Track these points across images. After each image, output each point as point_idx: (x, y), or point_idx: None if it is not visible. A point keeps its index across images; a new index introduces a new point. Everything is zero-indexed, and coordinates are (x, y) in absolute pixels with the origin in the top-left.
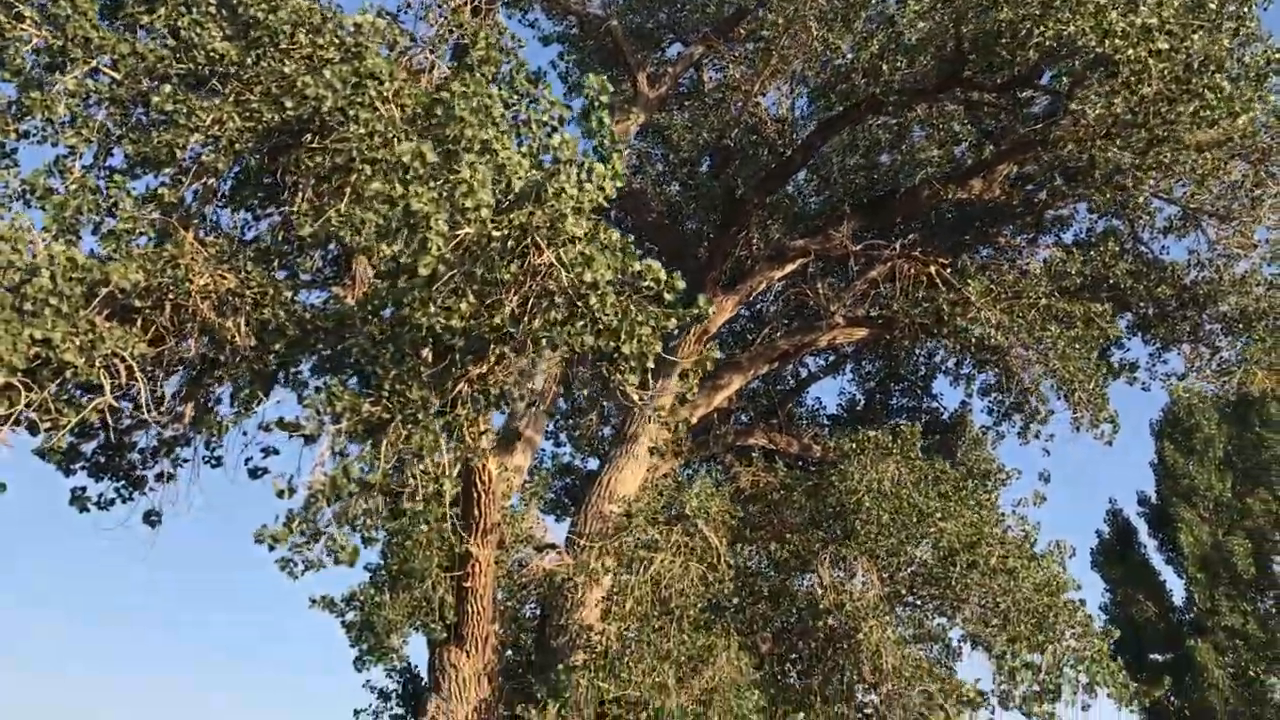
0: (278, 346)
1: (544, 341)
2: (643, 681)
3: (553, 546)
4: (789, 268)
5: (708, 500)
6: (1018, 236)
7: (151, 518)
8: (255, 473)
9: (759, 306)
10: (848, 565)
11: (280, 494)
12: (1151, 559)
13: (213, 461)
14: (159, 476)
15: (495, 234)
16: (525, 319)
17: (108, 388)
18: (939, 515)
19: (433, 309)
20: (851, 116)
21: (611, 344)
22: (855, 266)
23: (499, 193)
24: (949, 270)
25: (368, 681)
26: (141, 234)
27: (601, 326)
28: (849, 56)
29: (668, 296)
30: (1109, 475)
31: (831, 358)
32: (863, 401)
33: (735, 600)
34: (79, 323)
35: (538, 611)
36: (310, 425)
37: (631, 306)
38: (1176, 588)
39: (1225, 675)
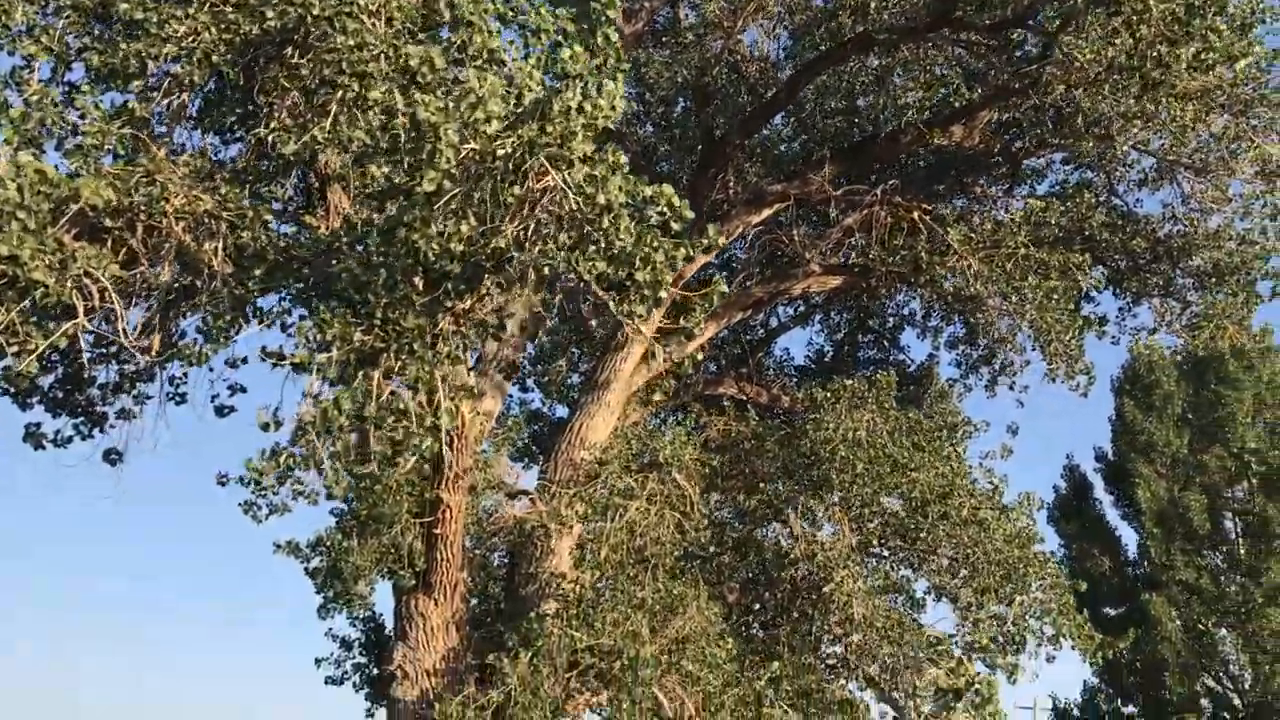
0: (257, 272)
1: (546, 270)
2: (616, 630)
3: (524, 493)
4: (766, 213)
5: (680, 449)
6: (993, 186)
7: (112, 456)
8: (222, 411)
9: (728, 253)
10: (818, 516)
11: (265, 427)
12: (1107, 514)
13: (177, 398)
14: (120, 413)
15: (500, 151)
16: (529, 244)
17: (80, 310)
18: (912, 466)
19: (434, 230)
20: (835, 56)
21: (624, 271)
22: (833, 213)
23: (508, 106)
24: (929, 217)
25: (330, 630)
26: (110, 150)
27: (615, 252)
28: None
29: (675, 226)
30: (1066, 430)
31: (801, 308)
32: (831, 352)
33: (709, 550)
34: (47, 240)
35: (506, 560)
36: (300, 353)
37: (645, 232)
38: (1131, 543)
39: (1178, 629)
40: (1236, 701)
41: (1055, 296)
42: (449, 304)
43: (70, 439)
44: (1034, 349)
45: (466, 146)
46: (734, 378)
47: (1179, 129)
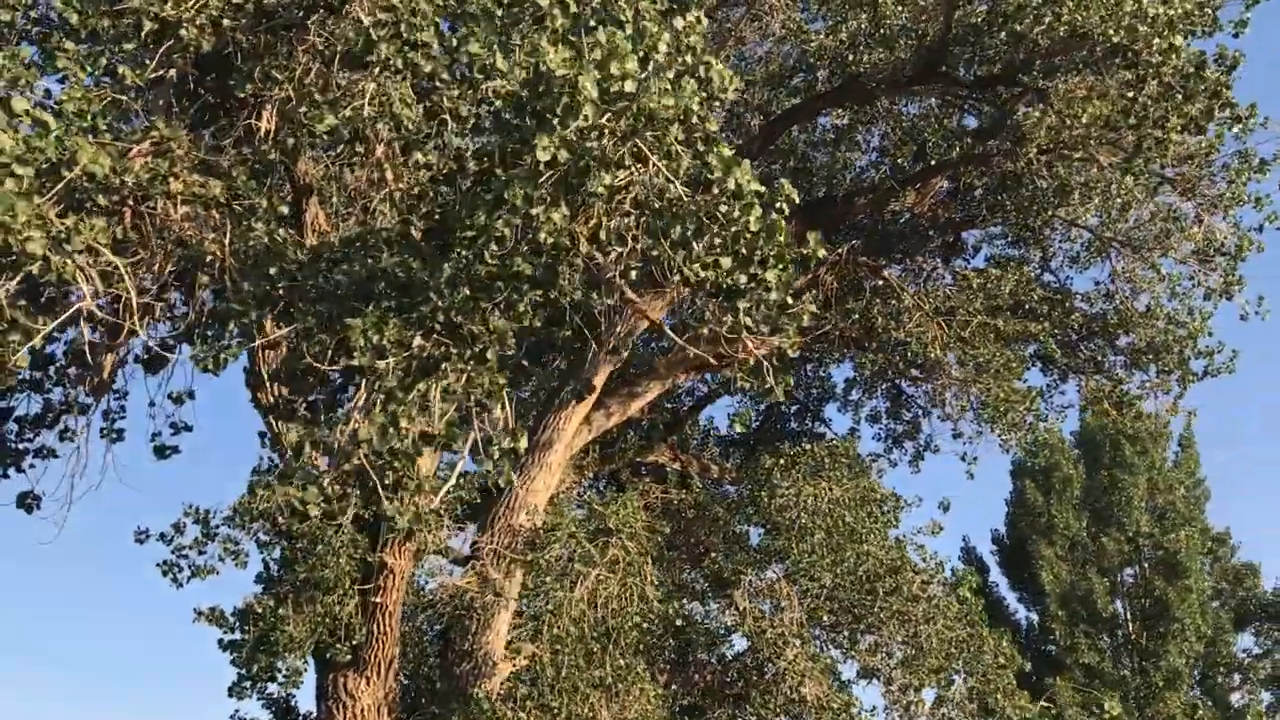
0: (272, 270)
1: (633, 273)
2: (578, 711)
3: (473, 558)
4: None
5: (631, 516)
6: (932, 257)
7: (28, 501)
8: (163, 451)
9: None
10: (770, 589)
11: (296, 450)
12: (1004, 597)
13: (112, 435)
14: (39, 452)
15: (610, 125)
16: (630, 235)
17: (87, 291)
18: (865, 538)
19: (537, 212)
20: (811, 108)
21: (747, 272)
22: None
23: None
24: (880, 281)
25: (236, 712)
26: (97, 118)
27: (741, 247)
28: (815, 42)
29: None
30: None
31: (728, 375)
32: (756, 424)
33: (656, 625)
34: (43, 208)
35: (439, 634)
36: (364, 357)
37: (775, 224)
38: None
39: (1083, 713)
40: None
41: (1013, 365)
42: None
43: None
44: (984, 420)
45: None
46: (667, 446)
47: (1124, 203)
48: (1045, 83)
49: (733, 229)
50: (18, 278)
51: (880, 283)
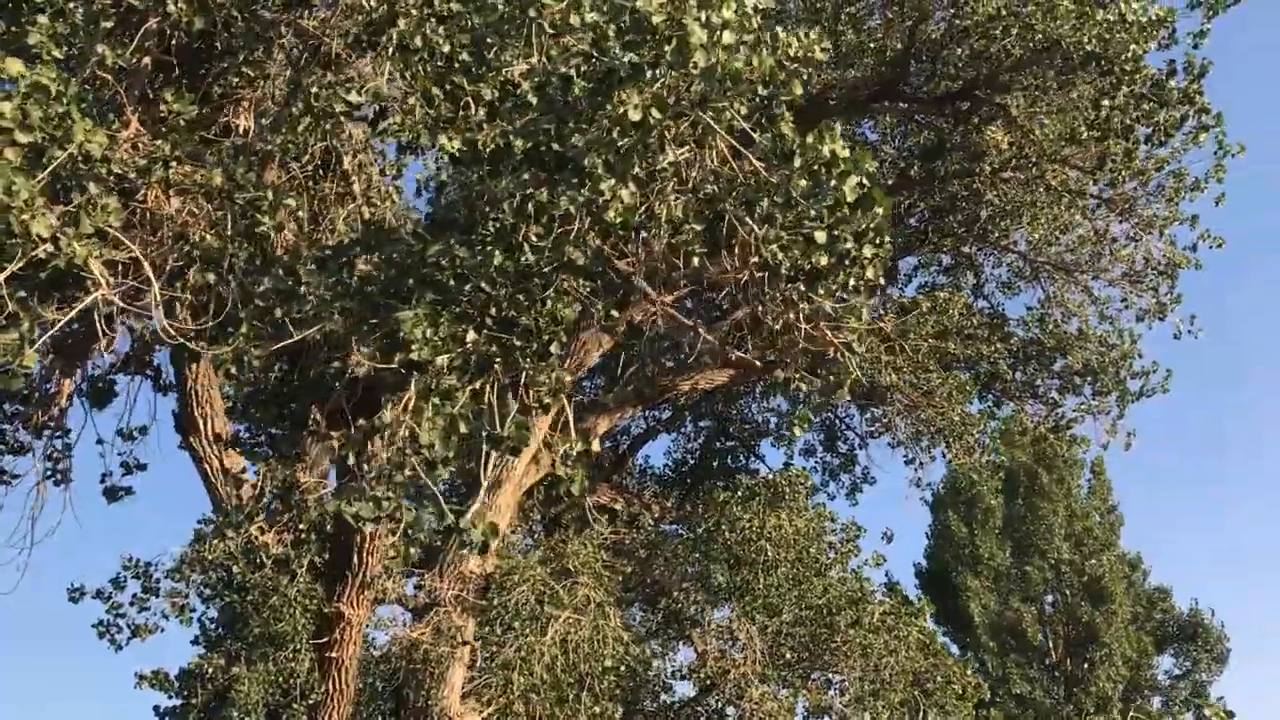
0: (296, 264)
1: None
2: None
3: (434, 606)
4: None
5: (591, 556)
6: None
7: None
8: (114, 493)
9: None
10: (730, 627)
11: (344, 450)
12: (930, 628)
13: (56, 476)
14: None
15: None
16: (699, 214)
17: (103, 279)
18: (827, 569)
19: (605, 188)
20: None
21: (838, 250)
22: (728, 298)
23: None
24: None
25: None
26: (72, 102)
27: (838, 222)
28: None
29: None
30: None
31: (668, 412)
32: (693, 461)
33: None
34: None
35: (392, 690)
36: (423, 350)
37: (873, 192)
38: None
39: None
40: None
41: (966, 388)
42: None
43: None
44: (935, 446)
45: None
46: (609, 486)
47: (1061, 226)
48: (1006, 97)
49: (825, 201)
50: (19, 262)
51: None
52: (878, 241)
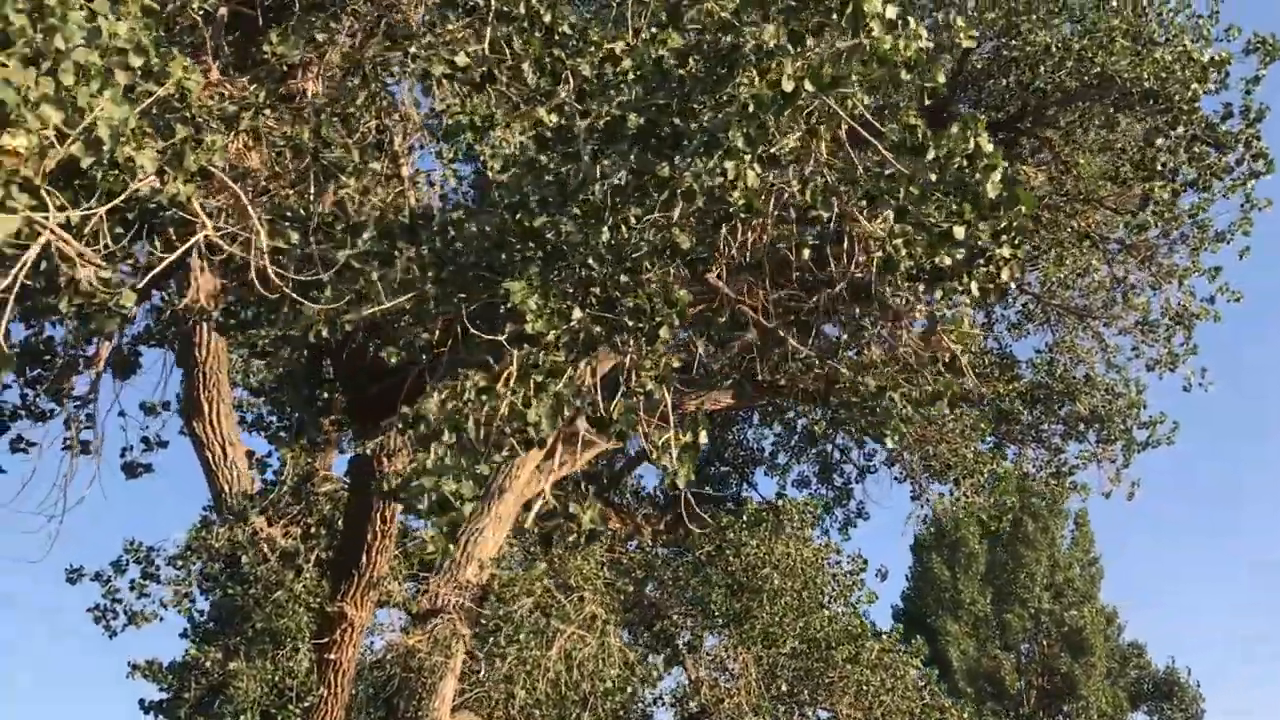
0: (366, 236)
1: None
2: None
3: (436, 613)
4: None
5: (594, 573)
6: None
7: None
8: (133, 469)
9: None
10: (727, 654)
11: (439, 427)
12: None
13: (76, 446)
14: None
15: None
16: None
17: (208, 219)
18: (831, 601)
19: (730, 166)
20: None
21: (971, 248)
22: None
23: None
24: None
25: None
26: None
27: (979, 218)
28: None
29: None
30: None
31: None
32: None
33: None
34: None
35: (383, 699)
36: (537, 322)
37: (1016, 186)
38: None
39: None
40: None
41: (982, 426)
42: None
43: None
44: (946, 481)
45: None
46: (603, 504)
47: (1080, 270)
48: (1050, 132)
49: (965, 196)
50: (122, 197)
51: (845, 335)
52: (1016, 241)
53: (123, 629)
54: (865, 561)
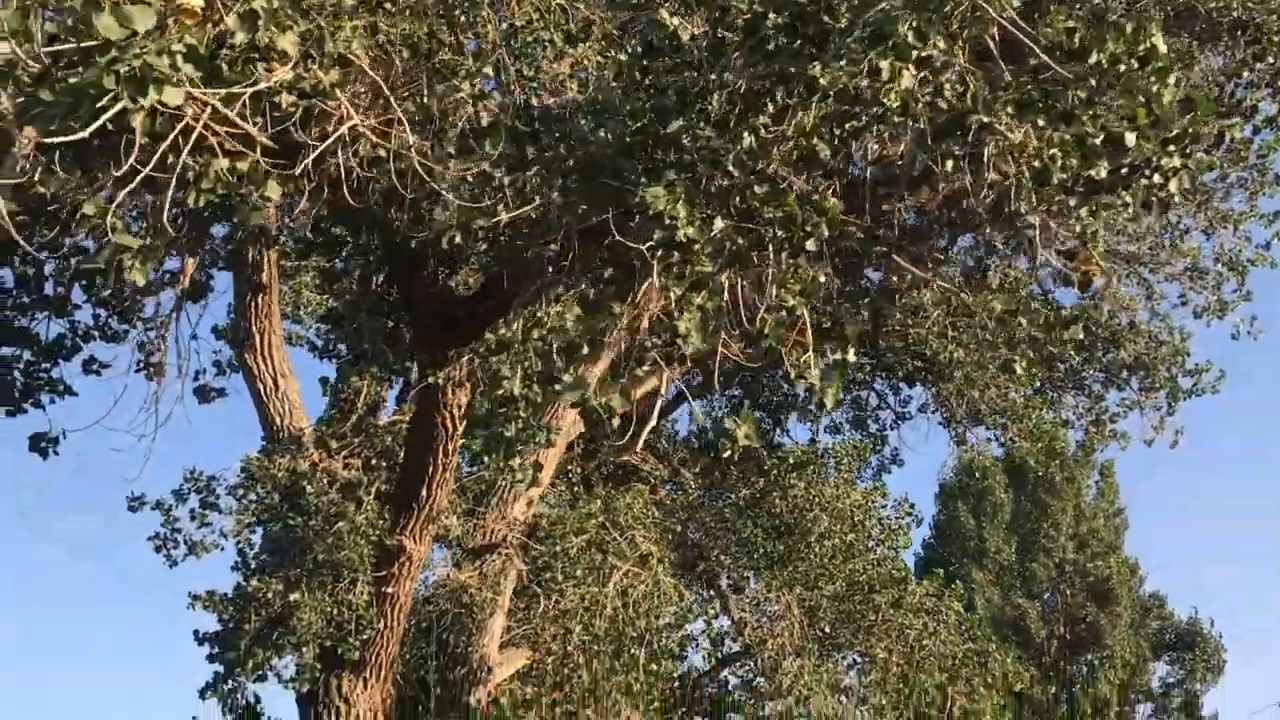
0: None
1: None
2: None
3: (493, 549)
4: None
5: (642, 513)
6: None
7: (43, 444)
8: (206, 393)
9: None
10: (770, 596)
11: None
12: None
13: (147, 369)
14: (49, 386)
15: None
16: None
17: (354, 111)
18: (878, 545)
19: (885, 65)
20: None
21: (1154, 158)
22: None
23: None
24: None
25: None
26: None
27: (1151, 125)
28: None
29: None
30: None
31: (699, 378)
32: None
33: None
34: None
35: (435, 634)
36: (688, 228)
37: (1195, 94)
38: None
39: None
40: None
41: (1033, 370)
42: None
43: None
44: (996, 427)
45: None
46: (641, 448)
47: (1133, 214)
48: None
49: (1136, 102)
50: (265, 84)
51: (895, 277)
52: (1187, 151)
53: (183, 558)
54: (912, 506)
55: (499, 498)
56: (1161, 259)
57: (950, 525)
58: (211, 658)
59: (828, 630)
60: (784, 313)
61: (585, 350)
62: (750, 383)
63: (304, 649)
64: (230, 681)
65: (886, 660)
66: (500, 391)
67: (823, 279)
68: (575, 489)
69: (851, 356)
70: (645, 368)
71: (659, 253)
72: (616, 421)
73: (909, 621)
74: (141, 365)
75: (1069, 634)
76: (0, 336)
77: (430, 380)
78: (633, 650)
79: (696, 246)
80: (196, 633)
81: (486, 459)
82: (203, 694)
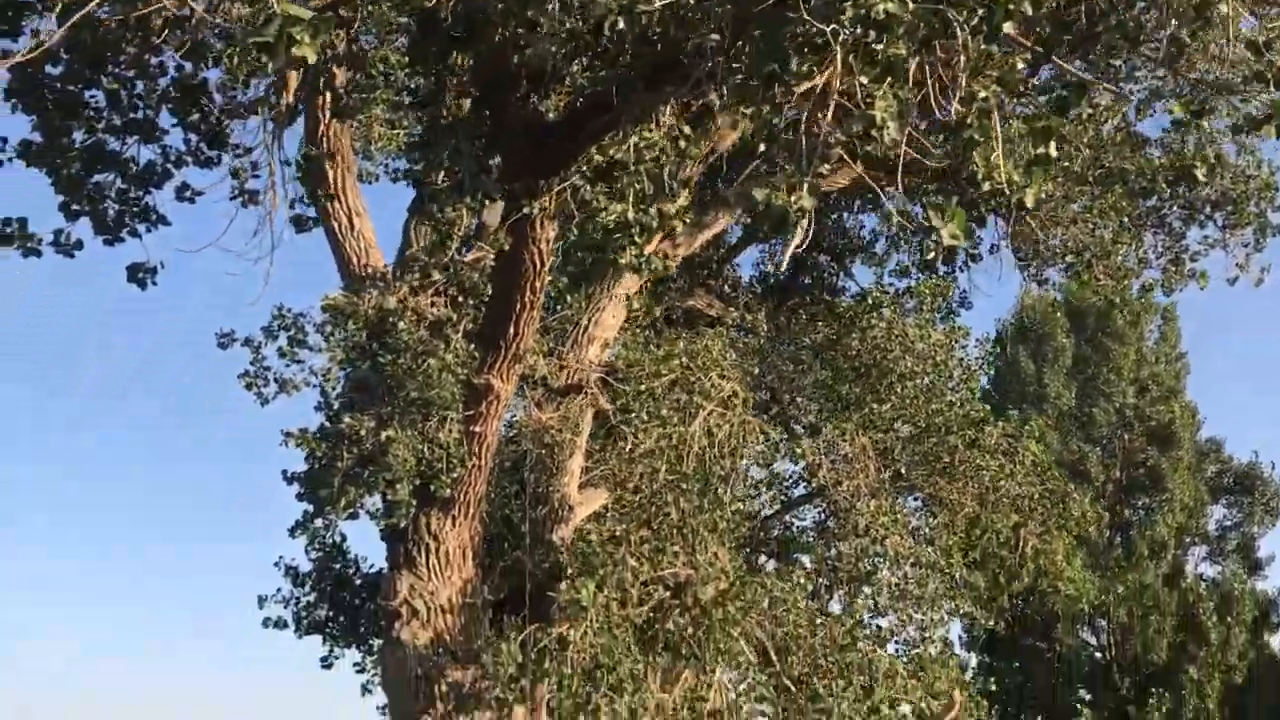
0: None
1: None
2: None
3: (577, 389)
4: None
5: (720, 355)
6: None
7: (141, 275)
8: (302, 221)
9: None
10: (845, 439)
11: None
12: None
13: (244, 196)
14: (144, 214)
15: None
16: None
17: None
18: (958, 385)
19: None
20: None
21: None
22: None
23: None
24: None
25: (281, 559)
26: None
27: None
28: None
29: None
30: None
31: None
32: (785, 274)
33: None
34: None
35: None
36: (889, 1)
37: None
38: None
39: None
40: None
41: (1123, 205)
42: None
43: (80, 244)
44: (1082, 266)
45: None
46: (705, 291)
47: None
48: None
49: None
50: None
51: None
52: None
53: (274, 396)
54: (994, 345)
55: (574, 340)
56: (1255, 88)
57: (1010, 370)
58: (300, 496)
59: (902, 472)
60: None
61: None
62: (819, 224)
63: (398, 485)
64: (320, 520)
65: (957, 502)
66: (609, 215)
67: (1020, 65)
68: (646, 333)
69: (1054, 152)
70: (828, 166)
71: (847, 32)
72: (799, 231)
73: (985, 463)
74: (236, 192)
75: (1125, 478)
76: (92, 161)
77: (525, 210)
78: (718, 489)
79: (893, 25)
80: (285, 472)
81: (570, 297)
82: (293, 532)
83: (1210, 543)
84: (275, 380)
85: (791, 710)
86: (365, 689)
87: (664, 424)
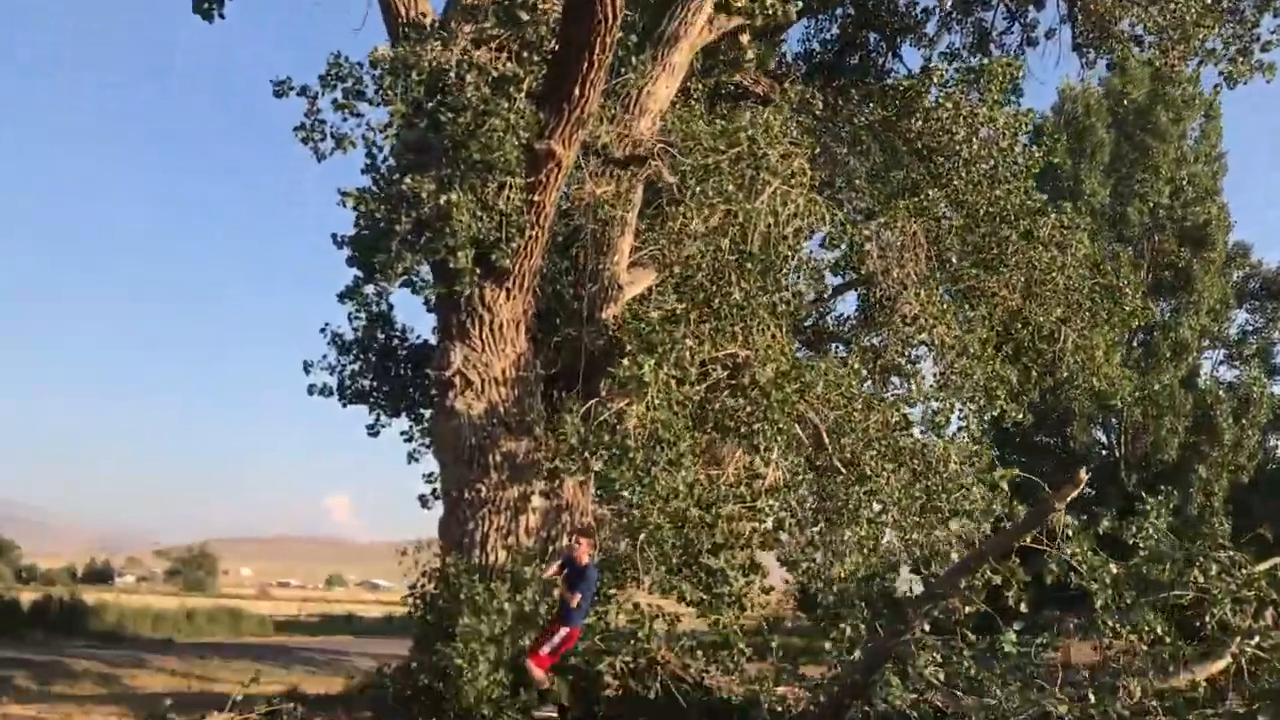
0: None
1: None
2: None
3: (635, 160)
4: None
5: (780, 132)
6: None
7: (206, 5)
8: None
9: None
10: (898, 225)
11: None
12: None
13: None
14: None
15: None
16: None
17: None
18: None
19: None
20: None
21: None
22: None
23: None
24: None
25: (327, 325)
26: None
27: None
28: None
29: None
30: None
31: None
32: (831, 53)
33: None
34: None
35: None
36: None
37: None
38: None
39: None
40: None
41: None
42: None
43: None
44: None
45: None
46: (755, 70)
47: None
48: None
49: None
50: None
51: None
52: None
53: (330, 152)
54: (1058, 133)
55: (623, 109)
56: None
57: (1045, 164)
58: (351, 261)
59: (953, 261)
60: None
61: None
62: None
63: (459, 253)
64: (371, 286)
65: (998, 294)
66: None
67: None
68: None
69: None
70: None
71: None
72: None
73: (1036, 255)
74: None
75: (1153, 279)
76: None
77: None
78: (780, 270)
79: None
80: (334, 235)
81: (635, 59)
82: (342, 298)
83: (1230, 346)
84: (331, 135)
85: (839, 489)
86: (411, 457)
87: (728, 200)
